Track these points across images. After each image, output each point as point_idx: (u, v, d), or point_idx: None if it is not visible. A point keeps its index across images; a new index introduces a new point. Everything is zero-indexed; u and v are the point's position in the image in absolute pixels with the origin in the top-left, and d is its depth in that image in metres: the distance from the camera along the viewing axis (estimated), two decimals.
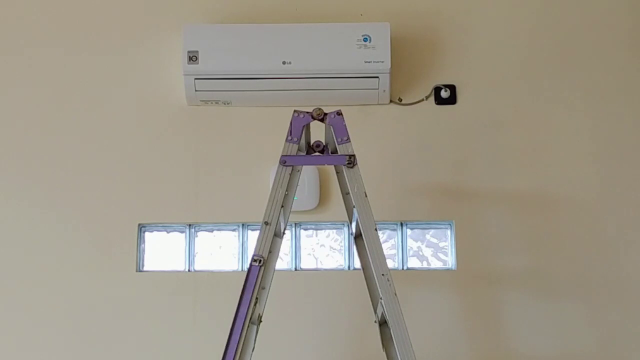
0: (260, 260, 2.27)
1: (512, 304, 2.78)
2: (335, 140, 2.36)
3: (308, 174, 2.81)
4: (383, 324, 2.34)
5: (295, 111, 2.38)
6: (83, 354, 2.75)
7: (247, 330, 2.26)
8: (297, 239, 2.87)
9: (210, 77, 2.83)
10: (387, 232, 2.87)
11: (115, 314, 2.78)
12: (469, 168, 2.88)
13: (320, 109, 2.39)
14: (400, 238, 2.87)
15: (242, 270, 2.83)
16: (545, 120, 2.93)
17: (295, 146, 2.36)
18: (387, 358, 2.35)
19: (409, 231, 2.88)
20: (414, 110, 2.92)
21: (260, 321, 2.43)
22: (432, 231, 2.89)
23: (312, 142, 2.44)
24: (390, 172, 2.86)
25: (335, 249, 2.88)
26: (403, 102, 2.93)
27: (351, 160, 2.34)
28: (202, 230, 2.89)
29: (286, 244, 2.85)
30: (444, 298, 2.79)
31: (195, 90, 2.85)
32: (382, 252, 2.27)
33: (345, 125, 2.36)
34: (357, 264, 2.65)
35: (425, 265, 2.88)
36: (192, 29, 2.85)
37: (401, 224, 2.87)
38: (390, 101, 2.92)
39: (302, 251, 2.88)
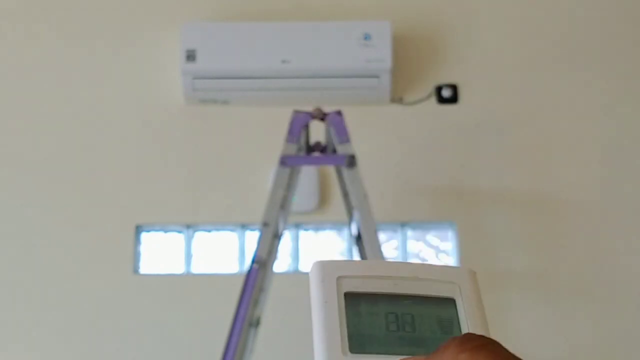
0: (259, 262, 2.25)
1: (514, 306, 2.76)
2: (335, 140, 2.34)
3: (308, 174, 2.79)
4: None
5: (295, 111, 2.36)
6: (79, 357, 2.73)
7: (245, 333, 2.24)
8: (296, 240, 2.85)
9: (208, 76, 2.81)
10: (388, 233, 2.85)
11: (111, 316, 2.75)
12: (470, 168, 2.86)
13: (320, 108, 2.37)
14: (401, 239, 2.84)
15: (241, 272, 2.81)
16: (548, 120, 2.91)
17: (295, 146, 2.33)
18: None
19: (410, 232, 2.86)
20: (415, 110, 2.90)
21: (259, 324, 2.41)
22: (433, 232, 2.86)
23: (312, 142, 2.41)
24: (391, 172, 2.84)
25: (335, 251, 2.86)
26: (404, 101, 2.91)
27: (351, 161, 2.31)
28: (200, 231, 2.86)
29: (286, 246, 2.83)
30: None
31: (194, 90, 2.83)
32: (383, 253, 2.25)
33: (345, 125, 2.34)
34: None
35: None
36: (190, 27, 2.82)
37: (402, 225, 2.85)
38: (391, 101, 2.90)
39: (302, 253, 2.85)
